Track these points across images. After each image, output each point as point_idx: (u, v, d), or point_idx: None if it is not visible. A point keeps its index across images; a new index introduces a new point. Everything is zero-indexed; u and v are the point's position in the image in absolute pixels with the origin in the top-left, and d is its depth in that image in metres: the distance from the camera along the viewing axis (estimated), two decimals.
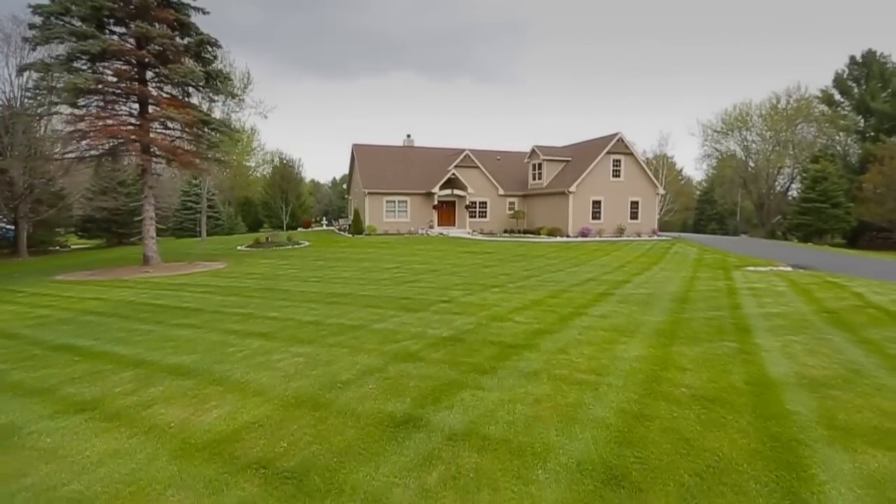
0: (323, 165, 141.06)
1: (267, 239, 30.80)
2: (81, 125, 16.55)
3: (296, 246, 28.35)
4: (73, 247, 42.63)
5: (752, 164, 58.96)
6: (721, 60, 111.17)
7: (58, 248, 41.99)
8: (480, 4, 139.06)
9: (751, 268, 18.25)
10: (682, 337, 6.94)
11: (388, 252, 23.73)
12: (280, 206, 34.55)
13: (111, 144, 18.21)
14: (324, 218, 67.48)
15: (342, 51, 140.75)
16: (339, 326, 7.72)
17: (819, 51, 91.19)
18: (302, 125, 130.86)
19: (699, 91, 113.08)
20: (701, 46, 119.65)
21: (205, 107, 37.21)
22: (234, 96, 21.57)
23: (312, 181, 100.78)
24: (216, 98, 21.10)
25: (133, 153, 17.09)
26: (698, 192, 73.79)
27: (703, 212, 62.31)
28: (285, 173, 33.96)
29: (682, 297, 10.80)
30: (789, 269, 18.23)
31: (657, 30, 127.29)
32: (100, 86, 16.64)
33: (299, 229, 52.31)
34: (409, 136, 44.78)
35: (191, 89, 21.08)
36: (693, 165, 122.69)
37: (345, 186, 56.06)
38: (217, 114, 38.46)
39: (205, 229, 38.79)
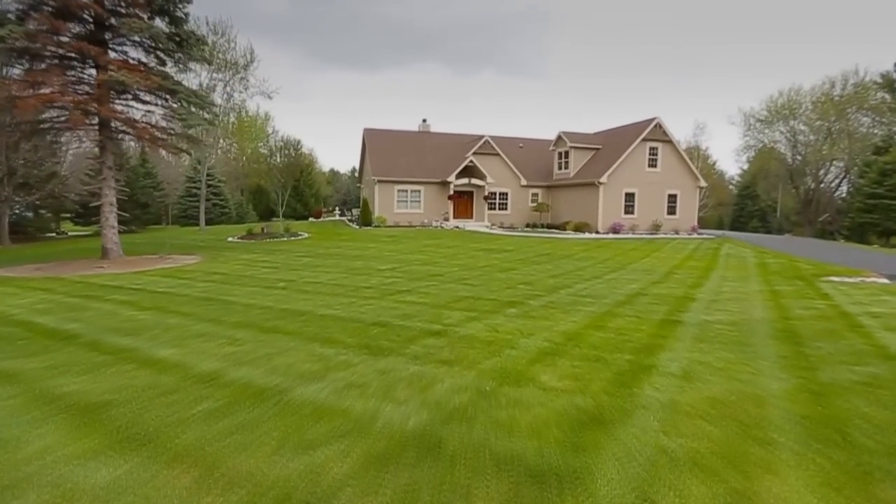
0: (343, 155, 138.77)
1: (262, 230, 27.98)
2: (14, 90, 13.71)
3: (292, 238, 25.44)
4: (69, 233, 40.68)
5: (799, 156, 53.88)
6: (762, 46, 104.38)
7: (54, 234, 40.13)
8: None
9: (835, 278, 14.53)
10: (864, 446, 3.55)
11: (391, 248, 20.56)
12: (276, 192, 31.62)
13: (64, 116, 15.35)
14: (337, 208, 64.73)
15: (367, 42, 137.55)
16: (238, 389, 4.53)
17: (879, 31, 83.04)
18: (323, 115, 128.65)
19: (736, 80, 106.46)
20: (738, 33, 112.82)
21: (203, 84, 34.56)
22: (209, 62, 18.52)
23: (332, 171, 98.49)
24: (190, 66, 18.04)
25: (80, 126, 14.22)
26: (731, 186, 68.65)
27: (744, 208, 57.48)
28: (288, 157, 31.20)
29: (787, 331, 7.33)
30: (885, 280, 14.47)
31: (692, 15, 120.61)
32: (36, 44, 13.76)
33: (310, 219, 49.62)
34: (424, 120, 41.43)
35: (164, 56, 18.10)
36: (732, 158, 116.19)
37: (356, 175, 52.99)
38: (219, 93, 35.91)
39: (203, 218, 36.24)
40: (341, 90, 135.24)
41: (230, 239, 25.96)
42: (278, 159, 31.81)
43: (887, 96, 50.17)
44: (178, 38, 17.18)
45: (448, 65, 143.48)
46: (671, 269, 15.75)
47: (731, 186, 70.46)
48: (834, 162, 52.33)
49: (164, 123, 17.49)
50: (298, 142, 32.31)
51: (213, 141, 36.55)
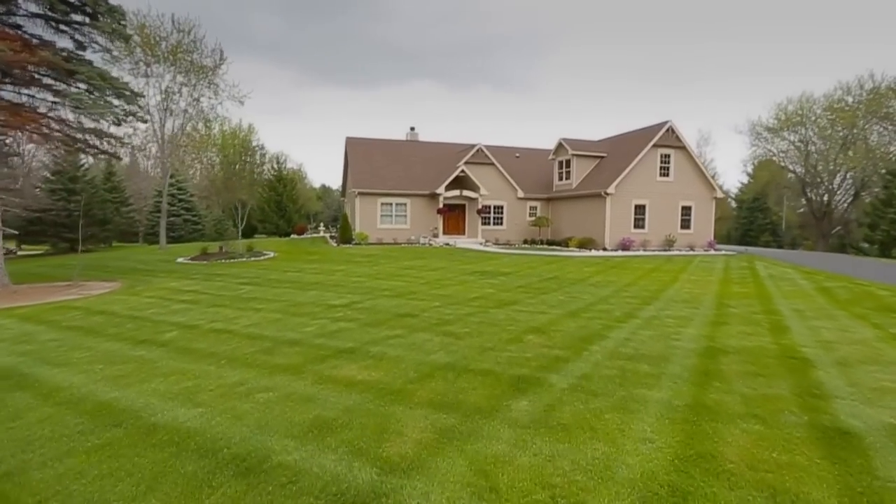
0: (335, 171, 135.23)
1: (221, 248, 24.14)
2: None
3: (252, 258, 21.62)
4: (18, 253, 36.60)
5: (811, 166, 50.79)
6: (764, 57, 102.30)
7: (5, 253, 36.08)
8: (502, 13, 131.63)
9: None
10: None
11: (363, 271, 16.78)
12: (234, 207, 27.91)
13: None
14: (323, 224, 61.32)
15: (362, 61, 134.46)
16: None
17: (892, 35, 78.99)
18: (317, 131, 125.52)
19: (737, 90, 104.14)
20: (737, 43, 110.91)
21: (166, 88, 31.01)
22: (125, 38, 14.89)
23: (323, 186, 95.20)
24: (108, 46, 14.41)
25: None
26: (732, 199, 65.36)
27: (753, 221, 54.13)
28: (251, 166, 27.54)
29: None
30: None
31: (691, 25, 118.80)
32: None
33: (292, 236, 46.18)
34: (412, 128, 38.03)
35: (78, 35, 14.48)
36: (733, 170, 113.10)
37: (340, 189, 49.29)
38: (184, 97, 32.31)
39: (164, 235, 32.33)
40: (336, 108, 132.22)
41: (180, 260, 22.11)
42: (237, 169, 28.20)
43: None
44: (87, 10, 13.59)
45: (443, 81, 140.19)
46: (718, 298, 12.05)
47: (729, 199, 67.30)
48: (848, 173, 49.23)
49: (70, 116, 13.77)
50: (278, 151, 28.73)
51: (171, 150, 32.71)
